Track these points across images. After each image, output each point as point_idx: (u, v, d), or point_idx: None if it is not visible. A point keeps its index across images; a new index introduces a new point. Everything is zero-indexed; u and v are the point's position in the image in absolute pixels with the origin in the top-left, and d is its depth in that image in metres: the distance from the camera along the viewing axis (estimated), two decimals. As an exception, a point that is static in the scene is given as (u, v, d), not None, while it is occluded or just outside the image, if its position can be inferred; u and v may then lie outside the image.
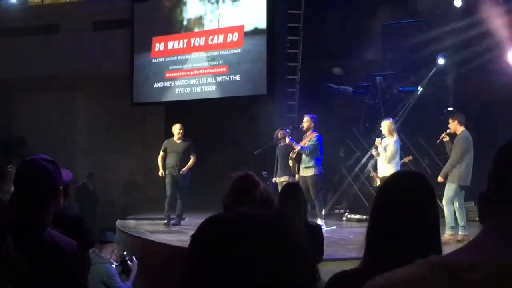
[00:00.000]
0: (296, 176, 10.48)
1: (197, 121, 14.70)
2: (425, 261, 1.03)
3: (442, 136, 9.31)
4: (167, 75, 15.62)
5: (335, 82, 14.28)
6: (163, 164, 11.16)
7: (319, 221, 9.56)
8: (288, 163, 10.56)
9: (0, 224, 2.44)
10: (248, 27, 14.47)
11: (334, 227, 10.83)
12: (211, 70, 14.95)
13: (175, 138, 11.15)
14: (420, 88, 13.24)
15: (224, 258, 1.05)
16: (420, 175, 2.18)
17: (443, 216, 8.76)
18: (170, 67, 15.59)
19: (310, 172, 10.19)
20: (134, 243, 9.56)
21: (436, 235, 2.05)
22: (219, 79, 14.79)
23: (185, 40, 15.46)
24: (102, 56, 16.61)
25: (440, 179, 9.02)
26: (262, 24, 14.25)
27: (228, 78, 14.66)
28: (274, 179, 10.83)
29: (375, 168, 10.73)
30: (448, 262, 1.01)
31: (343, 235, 10.04)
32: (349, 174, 13.91)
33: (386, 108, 13.20)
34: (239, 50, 14.57)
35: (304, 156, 10.26)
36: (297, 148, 10.27)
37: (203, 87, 15.07)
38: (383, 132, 9.77)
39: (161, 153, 11.21)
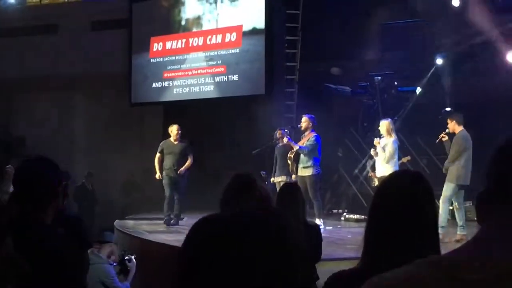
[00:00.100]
0: (293, 176, 10.48)
1: (195, 121, 14.72)
2: (423, 261, 1.03)
3: (441, 136, 9.32)
4: (165, 75, 15.61)
5: (333, 82, 14.28)
6: (160, 166, 11.10)
7: (318, 221, 9.57)
8: (286, 163, 10.57)
9: (0, 224, 2.45)
10: (246, 27, 14.46)
11: (331, 227, 10.82)
12: (209, 70, 14.94)
13: (172, 139, 11.10)
14: (419, 89, 13.25)
15: (217, 258, 1.05)
16: (418, 175, 2.18)
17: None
18: (169, 67, 15.59)
19: (308, 172, 10.19)
20: (133, 243, 9.55)
21: (435, 235, 2.05)
22: (217, 79, 14.78)
23: (183, 40, 15.45)
24: (100, 56, 16.61)
25: (444, 170, 9.11)
26: (261, 24, 14.24)
27: (226, 78, 14.65)
28: (272, 179, 10.84)
29: (373, 168, 10.74)
30: (446, 262, 1.01)
31: (341, 235, 10.04)
32: (348, 174, 13.92)
33: (385, 108, 13.19)
34: (237, 50, 14.57)
35: (302, 156, 10.26)
36: (296, 147, 10.27)
37: (201, 87, 15.06)
38: (381, 132, 9.78)
39: (158, 154, 11.15)
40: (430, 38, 12.81)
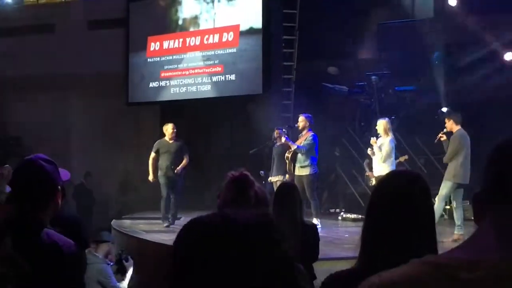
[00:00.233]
0: (287, 175, 10.49)
1: (193, 120, 14.72)
2: (421, 260, 1.03)
3: (439, 136, 9.34)
4: (162, 74, 15.60)
5: (330, 82, 14.30)
6: (155, 167, 10.98)
7: (315, 220, 9.57)
8: (283, 162, 10.57)
9: (-1, 224, 2.45)
10: (243, 27, 14.45)
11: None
12: (206, 70, 14.93)
13: (167, 138, 11.01)
14: (417, 89, 13.27)
15: (208, 259, 1.05)
16: (415, 175, 2.18)
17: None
18: (166, 67, 15.57)
19: (305, 172, 10.20)
20: (130, 242, 9.56)
21: (432, 235, 2.05)
22: (214, 78, 14.77)
23: (181, 40, 15.44)
24: (97, 56, 16.58)
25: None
26: (258, 23, 14.23)
27: (223, 78, 14.64)
28: (269, 179, 10.85)
29: (370, 167, 10.75)
30: (444, 261, 1.01)
31: (338, 234, 10.06)
32: (345, 174, 13.93)
33: (382, 107, 13.21)
34: (234, 50, 14.56)
35: (299, 155, 10.26)
36: (293, 147, 10.28)
37: (198, 86, 15.05)
38: (378, 131, 9.78)
39: (153, 154, 11.02)
40: (427, 37, 12.81)
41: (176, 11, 15.69)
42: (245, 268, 1.04)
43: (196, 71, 15.08)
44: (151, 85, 15.77)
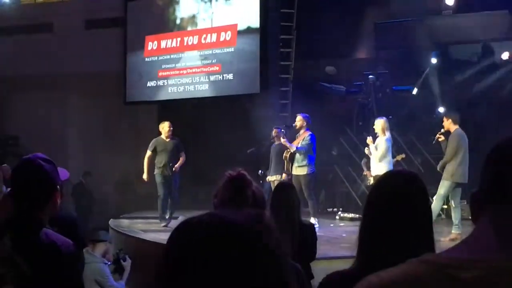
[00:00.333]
0: (283, 174, 10.49)
1: (190, 120, 14.70)
2: (419, 259, 1.03)
3: (437, 137, 9.33)
4: (160, 74, 15.59)
5: (328, 81, 14.31)
6: (150, 166, 10.92)
7: (312, 220, 9.58)
8: (281, 161, 10.58)
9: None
10: (241, 26, 14.44)
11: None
12: (204, 69, 14.92)
13: (164, 136, 10.93)
14: (415, 89, 13.27)
15: (200, 260, 1.04)
16: (413, 175, 2.19)
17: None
18: (163, 66, 15.56)
19: (303, 171, 10.20)
20: (128, 242, 9.55)
21: (429, 234, 2.05)
22: (212, 78, 14.77)
23: (178, 39, 15.43)
24: (95, 55, 16.57)
25: (438, 169, 9.15)
26: (255, 23, 14.23)
27: (221, 77, 14.64)
28: (267, 178, 10.86)
29: (368, 167, 10.76)
30: (444, 261, 1.01)
31: (336, 233, 10.06)
32: (342, 173, 13.94)
33: (379, 106, 13.21)
34: (232, 49, 14.56)
35: (297, 155, 10.26)
36: (293, 149, 10.26)
37: (196, 86, 15.04)
38: (376, 131, 9.79)
39: (149, 152, 10.94)
40: (425, 37, 12.82)
41: (174, 10, 15.68)
42: (241, 269, 1.04)
43: (193, 70, 15.07)
44: (148, 84, 15.76)
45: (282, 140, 10.42)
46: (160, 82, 15.57)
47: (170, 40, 15.53)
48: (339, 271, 2.13)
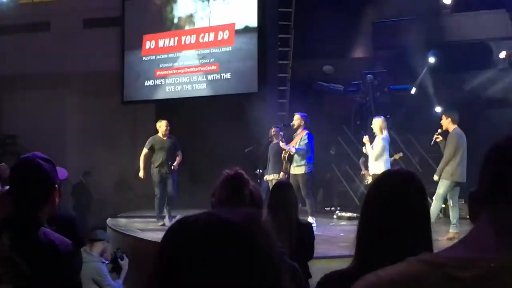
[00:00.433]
0: (281, 173, 10.48)
1: (188, 119, 14.70)
2: (417, 258, 1.03)
3: (435, 137, 9.32)
4: (157, 73, 15.57)
5: (326, 80, 14.31)
6: (146, 163, 10.88)
7: (310, 219, 9.59)
8: (279, 161, 10.57)
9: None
10: (239, 25, 14.44)
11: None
12: (202, 68, 14.92)
13: (161, 134, 10.89)
14: (413, 88, 13.28)
15: (195, 259, 1.04)
16: (411, 174, 2.19)
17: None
18: (161, 65, 15.55)
19: (300, 170, 10.20)
20: (125, 241, 9.54)
21: (427, 233, 2.05)
22: (210, 77, 14.76)
23: (176, 38, 15.42)
24: (92, 54, 16.56)
25: (435, 177, 9.08)
26: (253, 22, 14.22)
27: (219, 76, 14.63)
28: (265, 177, 10.85)
29: (366, 166, 10.76)
30: (442, 260, 1.01)
31: (334, 232, 10.06)
32: (340, 172, 13.95)
33: (377, 106, 13.22)
34: (230, 48, 14.55)
35: (295, 154, 10.27)
36: (293, 150, 10.24)
37: (193, 85, 15.03)
38: (374, 130, 9.79)
39: (146, 150, 10.88)
40: (423, 36, 12.82)
41: (172, 9, 15.68)
42: (237, 268, 1.03)
43: (191, 69, 15.07)
44: (146, 83, 15.75)
45: (281, 143, 10.39)
46: (158, 81, 15.55)
47: (168, 39, 15.52)
48: (337, 270, 2.13)
